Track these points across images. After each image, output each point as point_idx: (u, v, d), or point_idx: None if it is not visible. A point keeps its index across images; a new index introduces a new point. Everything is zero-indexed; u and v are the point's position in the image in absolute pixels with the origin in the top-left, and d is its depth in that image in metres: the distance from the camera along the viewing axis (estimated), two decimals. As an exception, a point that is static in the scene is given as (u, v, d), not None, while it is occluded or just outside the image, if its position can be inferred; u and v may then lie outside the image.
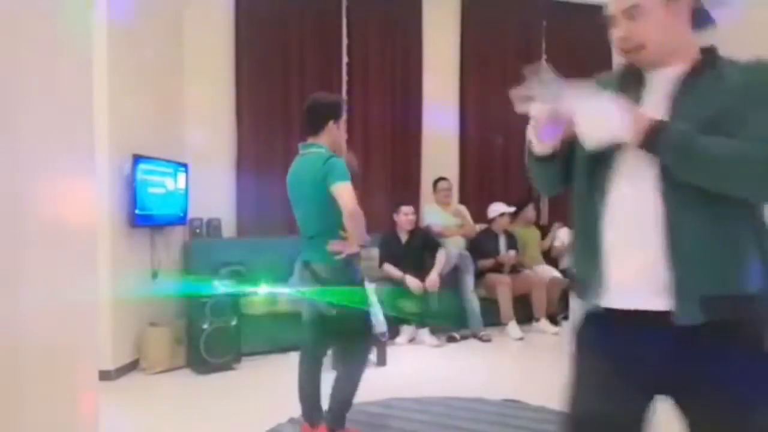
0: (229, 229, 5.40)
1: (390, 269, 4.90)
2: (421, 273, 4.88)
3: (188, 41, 5.30)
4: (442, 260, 4.98)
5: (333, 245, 2.48)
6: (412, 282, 4.77)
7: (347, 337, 2.60)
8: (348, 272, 2.54)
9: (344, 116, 2.65)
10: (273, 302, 4.39)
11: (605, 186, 1.22)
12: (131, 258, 4.11)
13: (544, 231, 6.06)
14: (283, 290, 4.14)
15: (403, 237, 5.07)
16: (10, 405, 0.61)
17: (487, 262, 5.35)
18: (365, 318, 2.67)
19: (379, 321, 4.14)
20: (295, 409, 2.75)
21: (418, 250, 5.03)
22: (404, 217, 5.04)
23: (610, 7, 1.25)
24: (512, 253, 5.43)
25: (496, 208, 5.54)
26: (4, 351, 0.62)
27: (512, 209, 5.62)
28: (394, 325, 4.75)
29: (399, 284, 4.80)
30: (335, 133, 2.58)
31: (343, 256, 2.48)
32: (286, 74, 5.62)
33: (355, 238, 2.47)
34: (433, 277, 4.83)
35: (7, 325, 0.61)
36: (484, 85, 6.25)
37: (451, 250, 5.15)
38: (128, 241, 4.07)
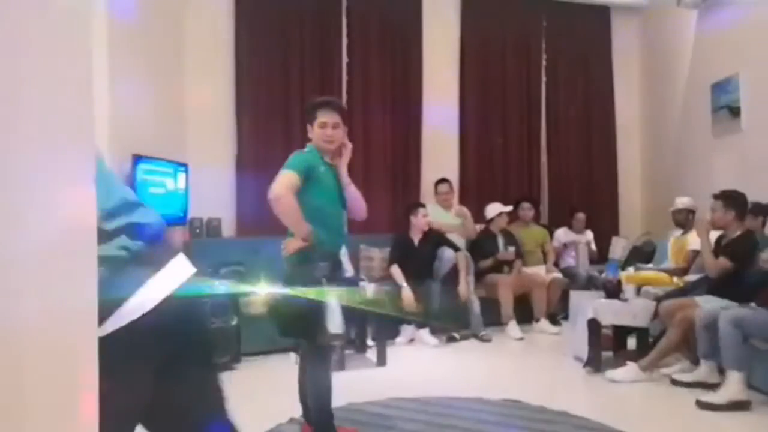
0: (229, 229, 5.41)
1: (395, 273, 4.82)
2: (428, 280, 4.87)
3: (188, 41, 5.31)
4: (464, 265, 4.99)
5: (284, 244, 2.50)
6: (407, 297, 4.66)
7: (297, 335, 2.60)
8: (302, 270, 2.48)
9: (319, 118, 2.59)
10: (273, 302, 4.39)
11: None
12: (131, 258, 4.10)
13: (551, 231, 6.04)
14: (281, 290, 4.12)
15: (416, 239, 5.05)
16: (10, 405, 0.61)
17: (487, 262, 5.35)
18: (315, 318, 2.48)
19: (335, 323, 3.68)
20: (295, 409, 2.75)
21: (429, 253, 4.98)
22: (423, 218, 5.02)
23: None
24: (511, 249, 5.42)
25: (494, 208, 5.53)
26: (4, 351, 0.62)
27: (509, 208, 5.61)
28: (395, 325, 4.75)
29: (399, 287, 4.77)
30: (312, 134, 2.63)
31: (288, 253, 2.48)
32: (286, 74, 5.62)
33: (295, 231, 2.45)
34: (464, 291, 4.91)
35: (7, 326, 0.61)
36: (484, 85, 6.26)
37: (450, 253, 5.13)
38: (128, 241, 4.06)
